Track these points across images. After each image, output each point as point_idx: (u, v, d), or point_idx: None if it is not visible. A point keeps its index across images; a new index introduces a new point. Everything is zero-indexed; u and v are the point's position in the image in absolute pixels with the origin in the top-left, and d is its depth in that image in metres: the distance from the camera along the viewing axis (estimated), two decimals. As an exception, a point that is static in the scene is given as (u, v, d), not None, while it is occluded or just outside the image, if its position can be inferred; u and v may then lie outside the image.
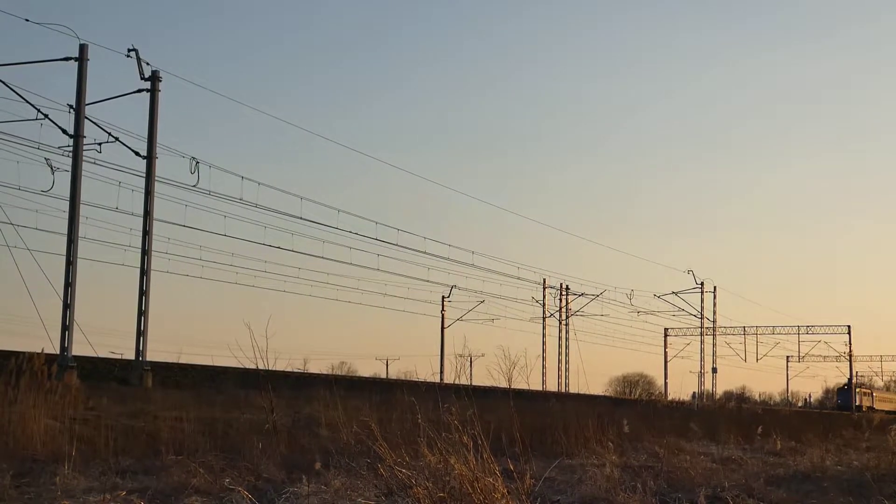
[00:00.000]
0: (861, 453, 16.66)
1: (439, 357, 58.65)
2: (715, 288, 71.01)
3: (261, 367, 11.30)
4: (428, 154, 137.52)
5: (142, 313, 25.98)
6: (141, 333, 25.80)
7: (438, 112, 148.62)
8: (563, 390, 60.30)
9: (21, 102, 24.05)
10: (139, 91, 26.07)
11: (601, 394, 60.79)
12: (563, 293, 68.03)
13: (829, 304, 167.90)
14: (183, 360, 33.02)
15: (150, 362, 26.39)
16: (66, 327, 23.52)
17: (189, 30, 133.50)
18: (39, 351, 14.13)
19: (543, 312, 65.47)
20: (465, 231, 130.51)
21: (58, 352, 23.28)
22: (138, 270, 26.43)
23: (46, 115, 24.28)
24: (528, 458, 9.97)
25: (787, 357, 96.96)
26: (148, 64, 25.76)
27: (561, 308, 67.78)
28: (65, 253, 24.31)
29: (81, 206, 24.52)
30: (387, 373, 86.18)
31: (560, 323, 67.05)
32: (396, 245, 40.75)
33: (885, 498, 8.88)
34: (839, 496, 9.18)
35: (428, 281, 56.33)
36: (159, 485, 8.00)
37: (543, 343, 65.21)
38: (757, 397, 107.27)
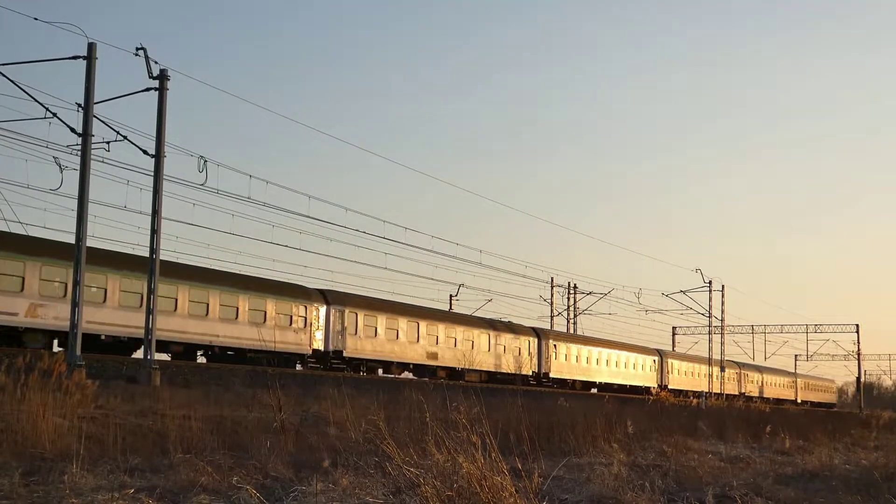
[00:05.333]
0: (869, 452, 16.63)
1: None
2: (723, 286, 70.79)
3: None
4: (435, 153, 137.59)
5: (150, 311, 26.02)
6: (149, 332, 25.84)
7: (445, 110, 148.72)
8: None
9: (29, 101, 24.09)
10: (147, 90, 26.06)
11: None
12: (571, 292, 68.01)
13: (838, 303, 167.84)
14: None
15: (159, 361, 26.43)
16: (75, 326, 23.58)
17: (197, 28, 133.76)
18: (49, 350, 14.21)
19: (551, 311, 65.45)
20: (472, 230, 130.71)
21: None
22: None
23: (55, 114, 24.30)
24: (536, 457, 9.97)
25: (796, 356, 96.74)
26: (156, 63, 25.76)
27: (569, 307, 67.76)
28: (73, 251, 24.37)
29: (90, 204, 24.55)
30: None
31: (568, 322, 67.03)
32: (404, 244, 40.72)
33: (893, 497, 8.85)
34: (848, 495, 9.16)
35: (435, 280, 56.49)
36: (168, 483, 8.02)
37: (551, 341, 65.03)
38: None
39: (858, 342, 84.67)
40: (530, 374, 49.44)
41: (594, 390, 52.88)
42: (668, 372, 63.63)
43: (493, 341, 47.02)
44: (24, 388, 11.82)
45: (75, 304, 23.77)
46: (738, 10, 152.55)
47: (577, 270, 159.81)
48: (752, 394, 70.76)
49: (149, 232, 26.30)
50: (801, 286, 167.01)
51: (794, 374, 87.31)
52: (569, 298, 67.76)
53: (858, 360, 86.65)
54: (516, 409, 11.92)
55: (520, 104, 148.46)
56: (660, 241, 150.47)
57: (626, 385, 57.07)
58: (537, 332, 51.75)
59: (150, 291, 26.10)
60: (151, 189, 26.32)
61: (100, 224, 35.02)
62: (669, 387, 60.63)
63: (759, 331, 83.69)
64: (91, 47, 24.23)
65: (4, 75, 23.41)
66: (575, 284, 68.26)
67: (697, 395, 57.83)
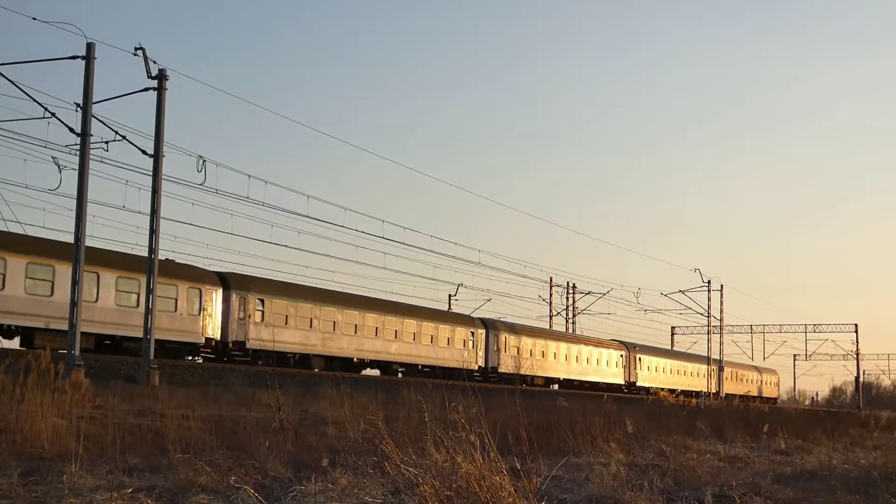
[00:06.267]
0: (868, 452, 16.62)
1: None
2: (722, 286, 70.90)
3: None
4: (434, 152, 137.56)
5: (149, 311, 26.02)
6: (148, 331, 25.84)
7: (445, 110, 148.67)
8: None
9: (28, 101, 24.12)
10: (146, 90, 26.09)
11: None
12: (570, 291, 68.06)
13: (837, 303, 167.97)
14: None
15: (158, 360, 26.44)
16: (73, 326, 23.57)
17: (196, 28, 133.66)
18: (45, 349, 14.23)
19: (550, 311, 65.51)
20: (471, 229, 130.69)
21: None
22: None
23: (53, 114, 24.32)
24: (534, 457, 9.97)
25: (794, 355, 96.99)
26: (155, 62, 25.79)
27: (568, 306, 67.80)
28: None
29: (88, 204, 24.56)
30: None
31: (567, 321, 67.06)
32: (403, 244, 40.61)
33: (892, 497, 8.84)
34: (846, 495, 9.15)
35: (434, 279, 56.42)
36: (166, 483, 8.01)
37: (550, 342, 64.58)
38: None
39: (857, 342, 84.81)
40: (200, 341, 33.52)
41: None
42: (499, 350, 49.49)
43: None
44: (22, 389, 11.82)
45: (73, 304, 23.76)
46: (739, 10, 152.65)
47: (576, 270, 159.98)
48: (648, 383, 63.10)
49: (148, 232, 26.32)
50: (801, 286, 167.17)
51: (718, 363, 75.94)
52: (568, 298, 67.83)
53: (857, 359, 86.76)
54: (515, 409, 11.92)
55: (519, 104, 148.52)
56: (659, 240, 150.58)
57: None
58: (223, 280, 34.71)
59: (149, 291, 26.10)
60: (150, 189, 26.34)
61: (99, 224, 35.05)
62: (500, 370, 48.78)
63: (757, 330, 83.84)
64: (90, 47, 24.23)
65: (3, 75, 23.44)
66: (574, 284, 68.37)
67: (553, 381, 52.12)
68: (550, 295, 65.50)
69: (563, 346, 55.76)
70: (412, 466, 6.80)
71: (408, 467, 6.80)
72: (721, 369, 71.33)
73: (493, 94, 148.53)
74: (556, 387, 51.94)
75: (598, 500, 8.24)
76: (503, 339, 49.76)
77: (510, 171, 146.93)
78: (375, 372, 40.37)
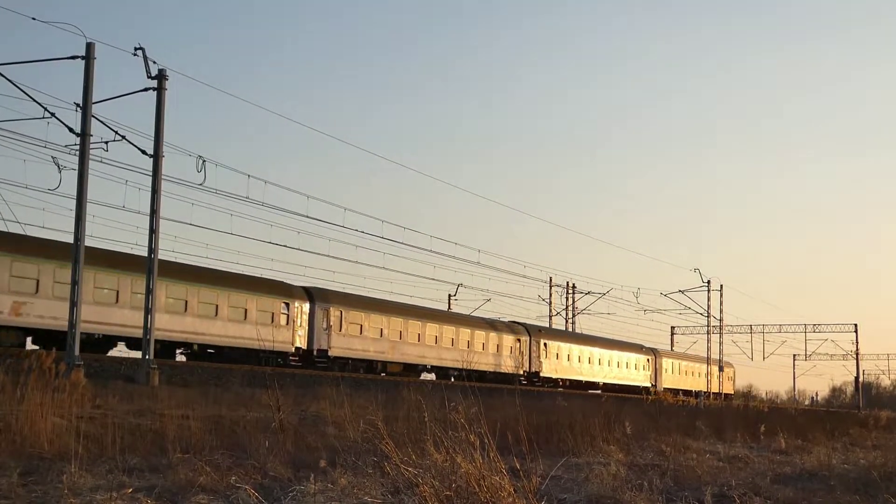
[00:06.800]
0: (868, 452, 16.63)
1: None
2: (721, 286, 70.89)
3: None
4: (434, 153, 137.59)
5: (148, 311, 26.01)
6: (147, 331, 25.83)
7: (445, 111, 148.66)
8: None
9: (28, 101, 24.11)
10: (146, 90, 26.09)
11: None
12: (570, 291, 68.08)
13: (836, 303, 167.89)
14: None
15: (157, 360, 26.43)
16: (73, 326, 23.56)
17: (196, 28, 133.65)
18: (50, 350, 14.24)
19: (550, 311, 65.51)
20: (471, 229, 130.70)
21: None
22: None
23: (53, 114, 24.31)
24: (534, 457, 9.98)
25: (794, 355, 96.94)
26: (154, 62, 25.78)
27: (567, 306, 67.83)
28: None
29: (88, 204, 24.54)
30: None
31: (567, 321, 67.08)
32: (403, 244, 40.42)
33: (892, 496, 8.84)
34: (846, 494, 9.16)
35: (434, 279, 56.35)
36: (166, 483, 8.01)
37: (549, 341, 64.19)
38: (763, 396, 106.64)
39: (857, 342, 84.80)
40: None
41: None
42: (331, 328, 39.54)
43: None
44: (23, 389, 11.82)
45: (73, 304, 23.76)
46: (737, 13, 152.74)
47: (576, 270, 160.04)
48: (557, 374, 54.91)
49: (147, 232, 26.31)
50: (801, 286, 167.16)
51: (654, 352, 67.50)
52: (567, 298, 67.85)
53: (857, 359, 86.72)
54: (515, 409, 11.94)
55: (519, 105, 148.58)
56: (659, 240, 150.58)
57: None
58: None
59: (149, 291, 26.09)
60: (150, 189, 26.33)
61: (98, 224, 34.96)
62: (332, 354, 39.22)
63: (757, 330, 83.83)
64: (89, 47, 24.23)
65: (3, 75, 23.43)
66: (573, 284, 68.42)
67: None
68: (550, 295, 65.58)
69: (433, 326, 45.69)
70: (412, 466, 6.80)
71: (407, 467, 6.80)
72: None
73: (494, 94, 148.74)
74: (431, 375, 43.92)
75: (598, 500, 8.24)
76: (337, 314, 39.58)
77: (510, 171, 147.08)
78: (137, 353, 28.35)
